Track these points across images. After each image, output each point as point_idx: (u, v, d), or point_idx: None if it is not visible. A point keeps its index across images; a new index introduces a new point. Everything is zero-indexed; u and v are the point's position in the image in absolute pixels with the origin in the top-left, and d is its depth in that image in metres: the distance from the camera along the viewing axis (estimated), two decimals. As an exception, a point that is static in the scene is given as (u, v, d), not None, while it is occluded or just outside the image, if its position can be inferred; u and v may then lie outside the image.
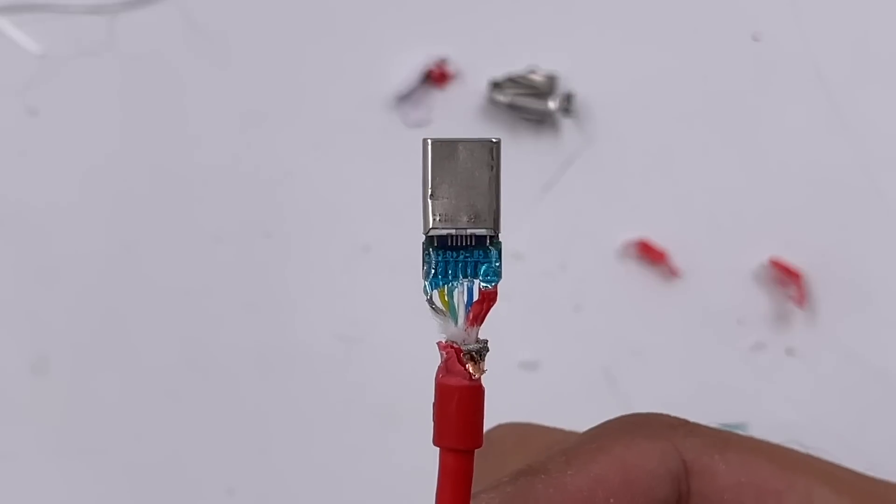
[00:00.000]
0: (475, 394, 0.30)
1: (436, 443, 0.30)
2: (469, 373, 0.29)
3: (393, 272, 0.71)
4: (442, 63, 0.72)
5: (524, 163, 0.71)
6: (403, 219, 0.71)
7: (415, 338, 0.69)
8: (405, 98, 0.72)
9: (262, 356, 0.71)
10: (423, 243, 0.29)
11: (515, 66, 0.71)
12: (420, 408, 0.69)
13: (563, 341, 0.71)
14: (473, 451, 0.30)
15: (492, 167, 0.28)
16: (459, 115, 0.72)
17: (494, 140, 0.28)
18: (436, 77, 0.72)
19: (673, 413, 0.35)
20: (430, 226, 0.28)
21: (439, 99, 0.72)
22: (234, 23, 0.74)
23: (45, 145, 0.73)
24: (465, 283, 0.29)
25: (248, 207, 0.73)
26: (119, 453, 0.71)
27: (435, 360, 0.67)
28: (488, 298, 0.29)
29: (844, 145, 0.70)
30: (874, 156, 0.70)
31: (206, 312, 0.72)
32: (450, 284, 0.29)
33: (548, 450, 0.33)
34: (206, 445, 0.71)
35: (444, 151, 0.28)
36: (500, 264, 0.29)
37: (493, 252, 0.29)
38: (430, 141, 0.28)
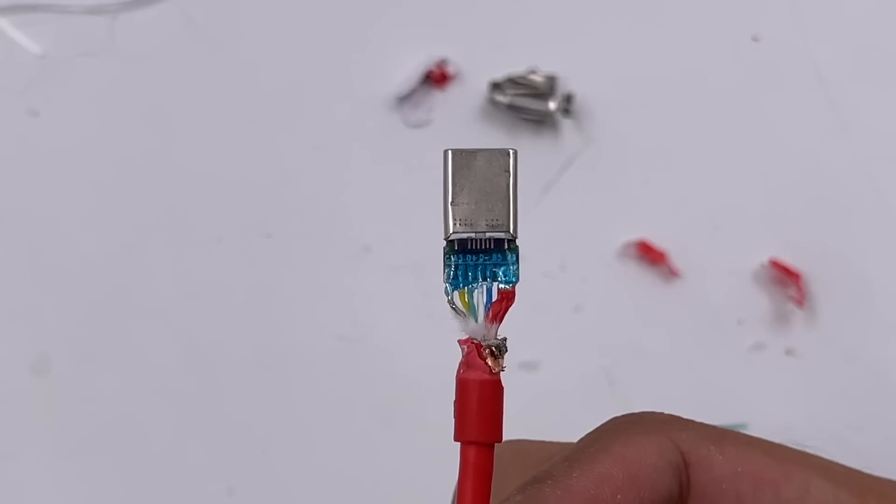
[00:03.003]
0: (495, 388, 0.31)
1: (457, 438, 0.31)
2: (489, 367, 0.30)
3: (393, 272, 0.71)
4: (442, 64, 0.72)
5: (524, 163, 0.71)
6: (403, 219, 0.71)
7: (415, 338, 0.70)
8: (405, 98, 0.72)
9: (262, 356, 0.72)
10: (445, 248, 0.30)
11: (515, 67, 0.71)
12: (420, 407, 0.70)
13: (563, 341, 0.71)
14: (494, 446, 0.31)
15: (509, 174, 0.29)
16: (459, 115, 0.72)
17: (512, 150, 0.30)
18: (436, 78, 0.72)
19: (673, 413, 0.35)
20: (451, 230, 0.29)
21: (439, 99, 0.73)
22: (234, 23, 0.74)
23: (45, 146, 0.73)
24: (485, 285, 0.30)
25: (248, 207, 0.73)
26: (119, 453, 0.71)
27: (435, 359, 0.67)
28: (507, 298, 0.30)
29: (844, 145, 0.70)
30: (874, 156, 0.70)
31: (206, 312, 0.72)
32: (469, 286, 0.30)
33: (547, 462, 0.34)
34: (206, 445, 0.71)
35: (463, 161, 0.29)
36: (518, 266, 0.30)
37: (511, 255, 0.30)
38: (450, 151, 0.29)
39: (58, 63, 0.74)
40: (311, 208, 0.72)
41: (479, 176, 0.29)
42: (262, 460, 0.71)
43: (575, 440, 0.38)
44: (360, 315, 0.71)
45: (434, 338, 0.68)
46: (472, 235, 0.29)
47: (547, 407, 0.69)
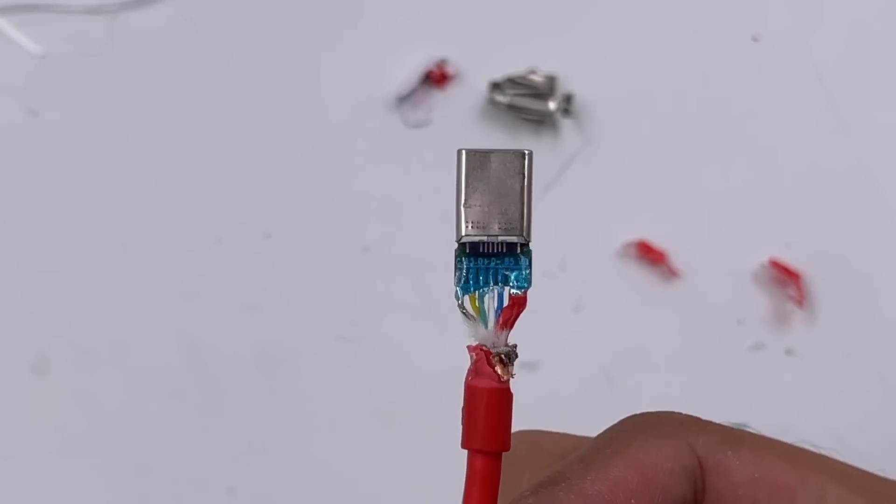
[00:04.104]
0: (503, 396, 0.30)
1: (464, 445, 0.30)
2: (498, 374, 0.30)
3: (393, 272, 0.71)
4: (442, 63, 0.72)
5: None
6: (403, 219, 0.71)
7: (415, 338, 0.70)
8: (405, 98, 0.72)
9: (262, 356, 0.71)
10: (456, 250, 0.29)
11: (515, 67, 0.71)
12: (420, 407, 0.70)
13: (563, 341, 0.71)
14: (501, 455, 0.30)
15: (524, 177, 0.29)
16: (459, 115, 0.72)
17: (527, 151, 0.29)
18: (436, 78, 0.72)
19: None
20: (463, 233, 0.29)
21: (439, 99, 0.72)
22: (234, 23, 0.74)
23: (45, 146, 0.73)
24: (496, 289, 0.30)
25: (248, 207, 0.73)
26: (119, 453, 0.71)
27: (435, 359, 0.67)
28: (518, 304, 0.30)
29: (844, 145, 0.70)
30: (874, 156, 0.70)
31: (206, 313, 0.72)
32: (480, 290, 0.29)
33: (561, 457, 0.33)
34: (206, 445, 0.71)
35: (477, 162, 0.29)
36: (531, 271, 0.29)
37: (524, 259, 0.29)
38: (464, 151, 0.29)
39: (58, 63, 0.74)
40: (311, 208, 0.72)
41: (492, 177, 0.29)
42: (262, 460, 0.71)
43: (578, 438, 0.38)
44: (360, 315, 0.71)
45: (434, 338, 0.68)
46: (485, 239, 0.29)
47: (547, 407, 0.68)
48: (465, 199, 0.28)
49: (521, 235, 0.29)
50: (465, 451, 0.30)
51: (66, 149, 0.73)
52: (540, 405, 0.68)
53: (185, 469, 0.71)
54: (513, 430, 0.36)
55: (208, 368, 0.71)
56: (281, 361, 0.71)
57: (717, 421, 0.34)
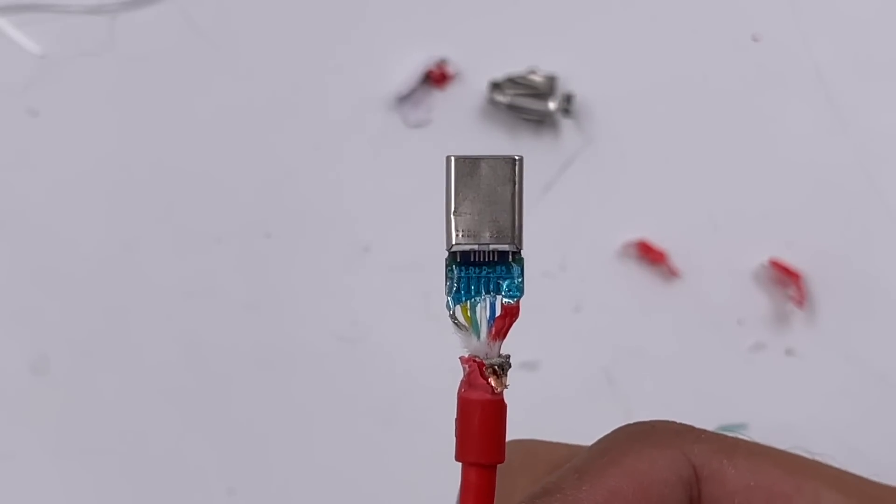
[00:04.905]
0: (497, 408, 0.30)
1: (458, 458, 0.30)
2: (491, 387, 0.29)
3: (393, 272, 0.71)
4: (442, 63, 0.72)
5: (524, 163, 0.71)
6: (403, 219, 0.71)
7: (415, 338, 0.70)
8: (405, 98, 0.72)
9: (262, 356, 0.71)
10: (447, 259, 0.29)
11: (515, 67, 0.71)
12: (420, 408, 0.70)
13: (563, 341, 0.71)
14: (496, 467, 0.30)
15: (514, 183, 0.28)
16: (459, 115, 0.72)
17: (517, 157, 0.28)
18: (436, 77, 0.72)
19: (674, 414, 0.35)
20: (454, 242, 0.28)
21: (439, 99, 0.72)
22: (233, 23, 0.74)
23: (45, 146, 0.73)
24: (488, 299, 0.29)
25: (248, 207, 0.73)
26: (119, 453, 0.71)
27: (435, 359, 0.67)
28: (511, 313, 0.29)
29: (844, 145, 0.70)
30: (874, 156, 0.70)
31: (206, 312, 0.72)
32: (472, 300, 0.29)
33: (556, 466, 0.33)
34: (206, 445, 0.71)
35: (466, 168, 0.28)
36: (523, 280, 0.29)
37: (516, 268, 0.29)
38: (453, 158, 0.28)
39: (58, 63, 0.74)
40: (311, 208, 0.72)
41: (482, 184, 0.28)
42: (262, 460, 0.71)
43: (574, 440, 0.38)
44: (360, 315, 0.71)
45: (434, 338, 0.68)
46: (476, 247, 0.28)
47: (546, 407, 0.69)
48: (455, 207, 0.28)
49: (513, 243, 0.28)
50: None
51: (66, 149, 0.73)
52: (539, 406, 0.68)
53: (185, 469, 0.71)
54: (508, 438, 0.36)
55: (208, 368, 0.71)
56: (281, 361, 0.71)
57: (718, 421, 0.34)
